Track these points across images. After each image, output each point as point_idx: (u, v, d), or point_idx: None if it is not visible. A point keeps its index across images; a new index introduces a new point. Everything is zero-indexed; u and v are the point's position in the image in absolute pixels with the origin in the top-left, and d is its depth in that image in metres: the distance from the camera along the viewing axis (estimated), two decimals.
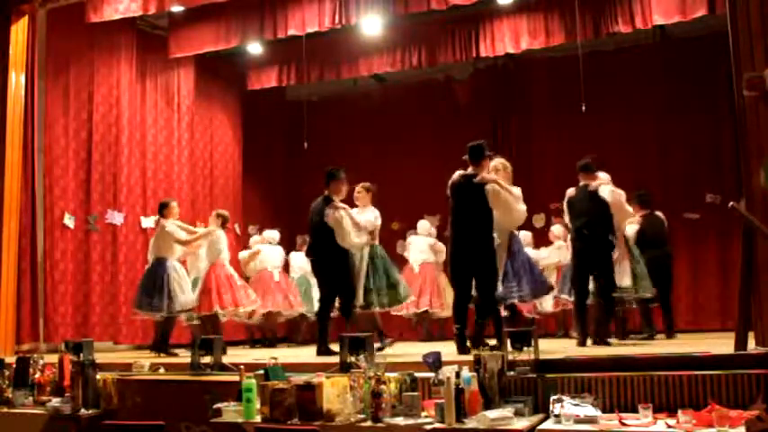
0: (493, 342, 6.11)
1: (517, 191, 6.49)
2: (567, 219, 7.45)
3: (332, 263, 6.97)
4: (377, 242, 7.32)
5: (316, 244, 7.11)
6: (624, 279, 7.42)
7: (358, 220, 7.04)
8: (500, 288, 6.47)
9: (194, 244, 8.28)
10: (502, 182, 6.38)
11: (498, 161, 6.76)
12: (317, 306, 10.52)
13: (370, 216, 7.19)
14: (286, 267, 10.54)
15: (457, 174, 6.43)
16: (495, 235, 6.33)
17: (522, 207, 6.46)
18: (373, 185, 7.50)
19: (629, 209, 7.44)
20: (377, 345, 6.28)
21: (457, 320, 6.19)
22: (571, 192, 7.34)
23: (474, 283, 6.22)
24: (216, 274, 8.11)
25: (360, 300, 6.98)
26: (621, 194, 7.27)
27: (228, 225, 8.38)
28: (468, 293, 6.25)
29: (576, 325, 7.21)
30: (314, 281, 10.55)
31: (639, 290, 7.73)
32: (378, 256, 7.18)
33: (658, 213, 8.65)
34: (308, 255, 7.42)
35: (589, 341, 6.80)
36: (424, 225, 10.62)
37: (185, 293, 7.97)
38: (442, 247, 10.48)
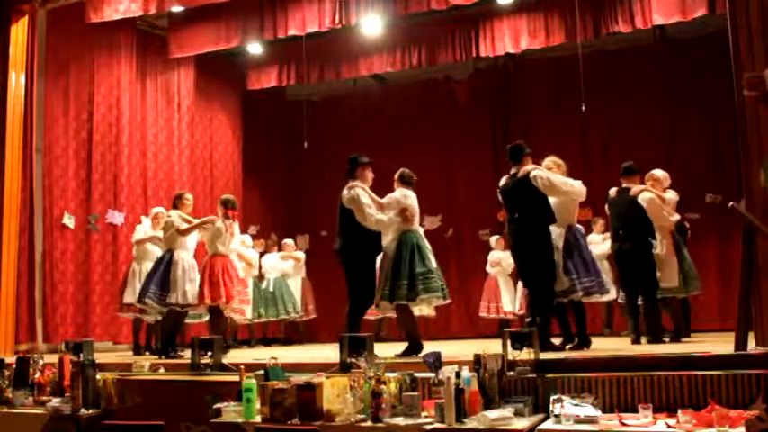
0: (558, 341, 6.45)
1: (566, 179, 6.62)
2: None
3: (354, 254, 6.42)
4: (414, 226, 6.49)
5: (340, 234, 6.55)
6: (672, 278, 7.44)
7: (379, 199, 6.47)
8: (564, 282, 6.49)
9: (194, 233, 7.90)
10: (544, 169, 6.50)
11: (550, 159, 6.84)
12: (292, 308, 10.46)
13: (396, 194, 6.51)
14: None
15: (504, 178, 6.63)
16: (552, 227, 6.46)
17: (574, 185, 6.53)
18: (411, 172, 6.73)
19: (671, 215, 7.62)
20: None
21: (528, 315, 6.49)
22: (612, 193, 7.55)
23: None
24: (212, 266, 7.61)
25: (387, 296, 6.34)
26: (670, 199, 7.67)
27: (234, 213, 7.87)
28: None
29: (628, 324, 7.37)
30: (291, 281, 10.61)
31: (690, 288, 7.75)
32: (406, 246, 6.31)
33: (684, 223, 8.65)
34: (336, 250, 6.76)
35: (643, 339, 7.04)
36: None
37: (186, 287, 7.60)
38: None
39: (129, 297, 8.30)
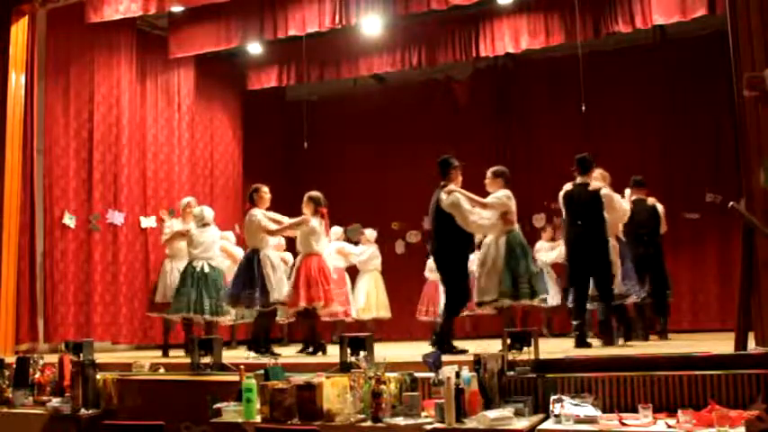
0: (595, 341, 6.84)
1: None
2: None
3: (451, 255, 6.47)
4: (515, 227, 6.67)
5: (436, 237, 6.59)
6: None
7: (481, 199, 6.51)
8: (621, 287, 7.18)
9: (286, 233, 7.72)
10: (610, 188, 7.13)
11: (598, 172, 7.30)
12: None
13: (500, 194, 6.58)
14: None
15: (569, 185, 7.03)
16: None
17: (627, 210, 7.29)
18: (505, 169, 6.87)
19: None
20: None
21: (576, 317, 6.72)
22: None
23: (592, 282, 6.82)
24: (307, 266, 7.30)
25: (492, 294, 6.45)
26: None
27: (323, 210, 7.53)
28: (586, 292, 6.81)
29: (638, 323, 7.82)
30: None
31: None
32: (516, 244, 6.53)
33: None
34: (432, 252, 6.83)
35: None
36: (335, 231, 10.17)
37: (279, 287, 7.35)
38: (349, 250, 10.28)
39: (160, 296, 8.17)
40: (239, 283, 7.38)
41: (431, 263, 10.74)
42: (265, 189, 7.70)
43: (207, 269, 7.77)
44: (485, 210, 6.47)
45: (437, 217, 6.53)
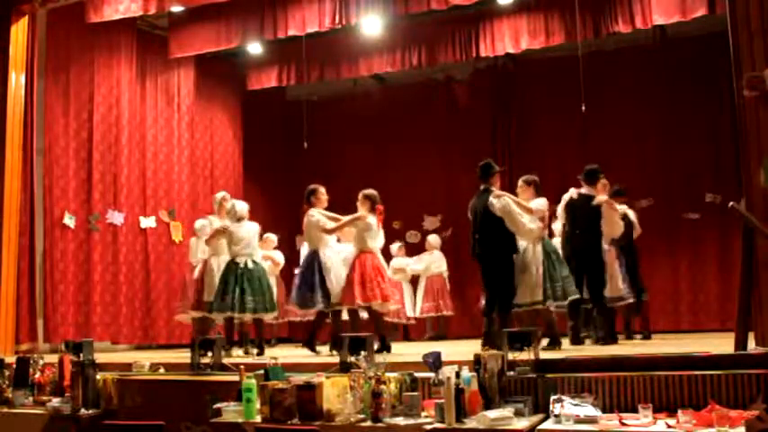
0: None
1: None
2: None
3: (499, 257, 6.59)
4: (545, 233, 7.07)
5: (482, 240, 6.61)
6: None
7: (527, 204, 6.70)
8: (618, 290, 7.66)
9: (344, 231, 7.48)
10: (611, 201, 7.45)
11: (601, 183, 7.54)
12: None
13: (541, 202, 6.85)
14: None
15: (573, 192, 7.32)
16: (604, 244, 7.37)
17: (622, 225, 7.66)
18: (536, 177, 7.08)
19: None
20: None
21: (571, 317, 6.95)
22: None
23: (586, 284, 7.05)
24: (362, 264, 7.19)
25: (537, 295, 6.66)
26: None
27: (380, 207, 7.39)
28: (581, 294, 6.96)
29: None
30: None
31: None
32: (552, 251, 6.86)
33: None
34: (473, 254, 6.80)
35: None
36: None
37: (338, 286, 7.27)
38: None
39: (209, 295, 7.88)
40: (304, 284, 7.37)
41: (395, 263, 10.73)
42: (322, 190, 7.63)
43: (250, 265, 7.60)
44: (529, 215, 6.68)
45: (485, 220, 6.58)
